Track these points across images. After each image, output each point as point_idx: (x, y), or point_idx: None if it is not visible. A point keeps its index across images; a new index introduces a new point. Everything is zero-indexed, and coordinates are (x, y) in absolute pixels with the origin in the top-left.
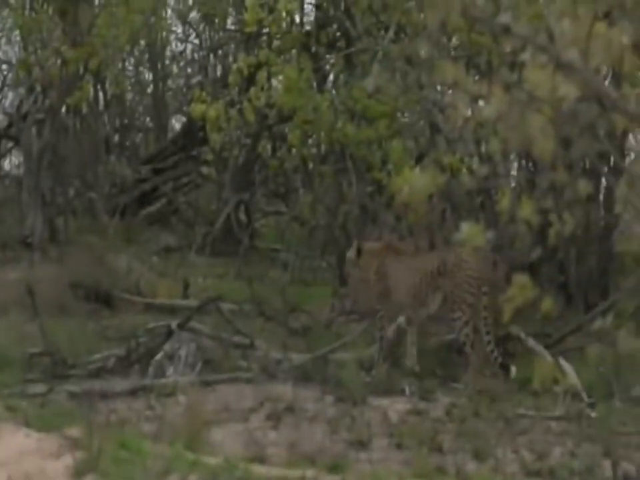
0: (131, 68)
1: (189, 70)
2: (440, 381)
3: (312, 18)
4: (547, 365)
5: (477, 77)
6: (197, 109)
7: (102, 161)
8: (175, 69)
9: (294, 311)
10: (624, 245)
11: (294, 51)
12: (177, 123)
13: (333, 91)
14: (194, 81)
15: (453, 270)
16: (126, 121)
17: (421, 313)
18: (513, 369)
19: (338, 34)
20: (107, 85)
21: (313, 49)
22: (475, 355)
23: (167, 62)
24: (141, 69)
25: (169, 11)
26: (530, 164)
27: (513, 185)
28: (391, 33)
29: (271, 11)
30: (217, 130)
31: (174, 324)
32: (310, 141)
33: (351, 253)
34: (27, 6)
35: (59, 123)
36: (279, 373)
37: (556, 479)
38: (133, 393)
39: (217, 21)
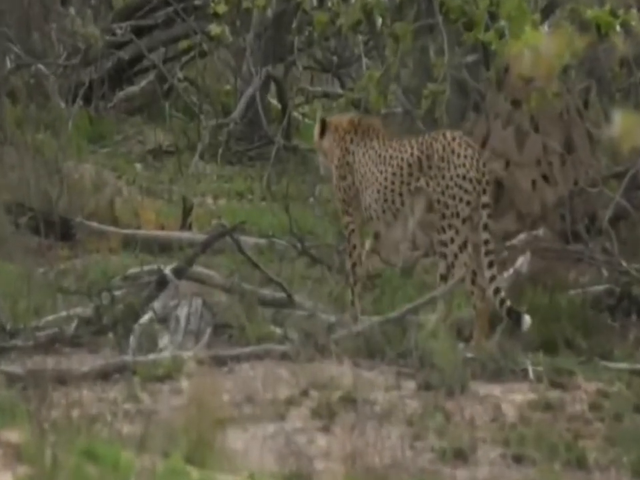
0: None
1: None
2: (583, 355)
3: None
4: None
5: None
6: None
7: (55, 16)
8: None
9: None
10: None
11: None
12: None
13: None
14: None
15: (441, 166)
16: None
17: (395, 230)
18: (527, 318)
19: None
20: None
21: None
22: (480, 298)
23: None
24: None
25: None
26: None
27: None
28: None
29: None
30: None
31: (168, 269)
32: None
33: (314, 131)
34: None
35: None
36: (332, 345)
37: None
38: (105, 375)
39: None
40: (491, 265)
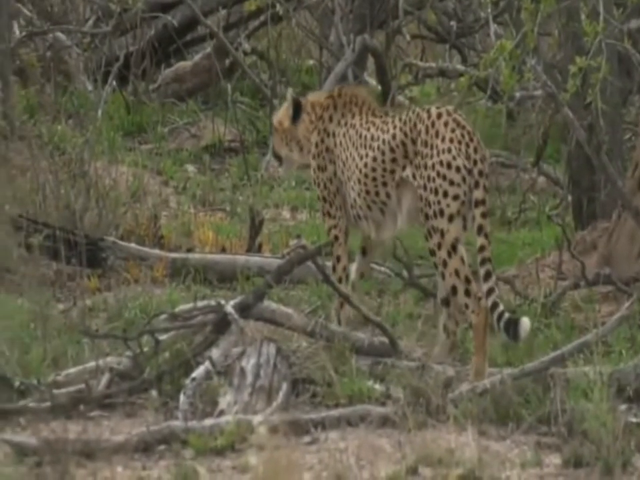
0: None
1: None
2: None
3: None
4: None
5: None
6: None
7: None
8: None
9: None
10: None
11: None
12: None
13: None
14: None
15: (423, 152)
16: None
17: (382, 231)
18: (525, 322)
19: None
20: None
21: None
22: (476, 311)
23: None
24: None
25: None
26: None
27: None
28: None
29: None
30: None
31: (230, 305)
32: None
33: (280, 114)
34: None
35: None
36: (449, 407)
37: None
38: (146, 446)
39: None
40: (487, 275)
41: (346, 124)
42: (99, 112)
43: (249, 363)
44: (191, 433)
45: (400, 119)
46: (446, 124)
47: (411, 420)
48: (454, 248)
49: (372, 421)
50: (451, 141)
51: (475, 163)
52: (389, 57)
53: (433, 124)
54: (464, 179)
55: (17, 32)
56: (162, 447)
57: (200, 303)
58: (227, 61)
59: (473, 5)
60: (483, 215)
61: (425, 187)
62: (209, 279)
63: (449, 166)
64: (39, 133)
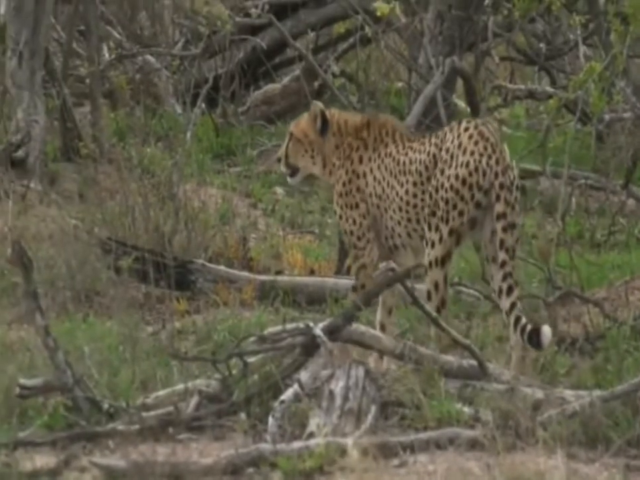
0: None
1: None
2: None
3: None
4: None
5: None
6: None
7: None
8: None
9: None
10: None
11: None
12: None
13: None
14: None
15: (446, 160)
16: None
17: (419, 258)
18: (546, 331)
19: None
20: None
21: None
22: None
23: None
24: None
25: None
26: None
27: None
28: None
29: None
30: None
31: (319, 327)
32: None
33: (307, 121)
34: None
35: None
36: (538, 429)
37: None
38: (235, 469)
39: None
40: (510, 290)
41: (379, 156)
42: (188, 134)
43: (337, 386)
44: (280, 456)
45: (436, 136)
46: (470, 137)
47: (500, 443)
48: (443, 260)
49: (461, 444)
50: (472, 154)
51: (497, 175)
52: (478, 79)
53: (458, 135)
54: (472, 197)
55: (107, 54)
56: (250, 470)
57: (289, 326)
58: (316, 83)
59: (562, 27)
60: (504, 229)
61: (437, 190)
62: (297, 302)
63: (463, 181)
64: (128, 156)
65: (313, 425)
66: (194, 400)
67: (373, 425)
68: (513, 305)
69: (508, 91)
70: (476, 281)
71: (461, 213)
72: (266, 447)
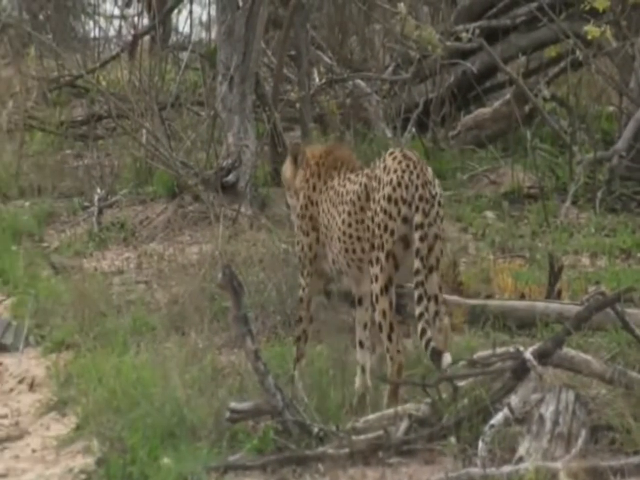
0: None
1: None
2: None
3: None
4: None
5: None
6: None
7: (380, 15)
8: None
9: None
10: None
11: None
12: None
13: None
14: None
15: (374, 187)
16: None
17: (362, 287)
18: (447, 358)
19: None
20: None
21: None
22: (394, 361)
23: None
24: None
25: None
26: None
27: None
28: None
29: None
30: None
31: (529, 351)
32: None
33: (285, 164)
34: None
35: None
36: None
37: None
38: None
39: None
40: (420, 299)
41: (327, 189)
42: None
43: (547, 410)
44: None
45: (369, 166)
46: (394, 159)
47: None
48: (386, 287)
49: None
50: (394, 172)
51: (417, 188)
52: None
53: (384, 160)
54: (399, 212)
55: (317, 79)
56: None
57: (499, 350)
58: (527, 108)
59: None
60: (421, 239)
61: (372, 219)
62: (507, 326)
63: (389, 199)
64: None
65: (522, 449)
66: (404, 424)
67: (583, 449)
68: (420, 315)
69: None
70: None
71: (392, 233)
72: (476, 471)
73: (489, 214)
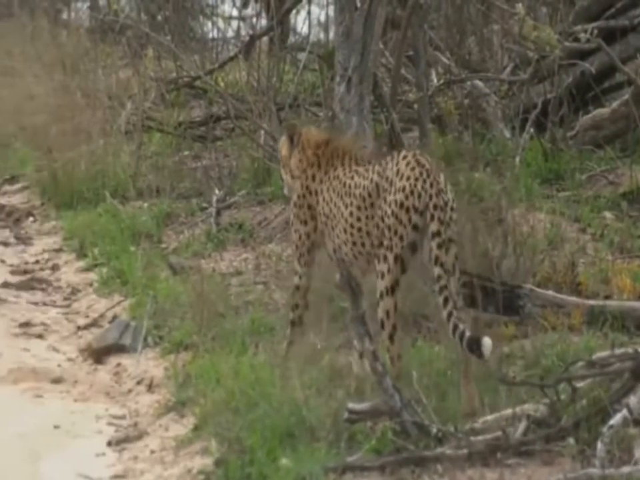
0: None
1: None
2: None
3: None
4: None
5: None
6: None
7: (498, 16)
8: None
9: None
10: None
11: None
12: None
13: None
14: None
15: (386, 188)
16: None
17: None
18: (487, 342)
19: None
20: None
21: None
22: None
23: None
24: None
25: None
26: None
27: None
28: None
29: None
30: None
31: None
32: None
33: (282, 142)
34: None
35: None
36: None
37: None
38: None
39: None
40: (446, 301)
41: (329, 178)
42: (517, 159)
43: None
44: None
45: (379, 164)
46: (407, 164)
47: None
48: (392, 289)
49: None
50: (407, 179)
51: (431, 197)
52: None
53: (397, 164)
54: (410, 220)
55: (435, 80)
56: None
57: (617, 351)
58: None
59: None
60: (439, 246)
61: (382, 219)
62: (626, 326)
63: (401, 205)
64: (456, 181)
65: None
66: (522, 425)
67: None
68: (449, 314)
69: None
70: None
71: (401, 238)
72: (595, 471)
73: (608, 214)
